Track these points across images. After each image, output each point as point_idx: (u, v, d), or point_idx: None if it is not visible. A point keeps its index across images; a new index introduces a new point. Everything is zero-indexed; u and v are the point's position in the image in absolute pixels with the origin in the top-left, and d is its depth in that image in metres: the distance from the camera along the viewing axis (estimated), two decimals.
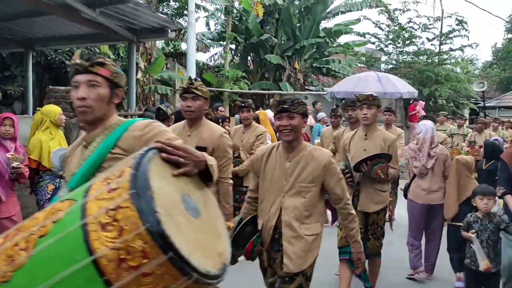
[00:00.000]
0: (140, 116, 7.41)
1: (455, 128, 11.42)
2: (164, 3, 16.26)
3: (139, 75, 11.78)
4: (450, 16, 19.92)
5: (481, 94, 20.35)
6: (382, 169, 4.08)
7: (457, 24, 19.80)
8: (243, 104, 5.83)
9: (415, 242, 5.09)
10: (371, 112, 4.24)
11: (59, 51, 10.32)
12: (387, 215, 4.55)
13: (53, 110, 5.30)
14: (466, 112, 21.97)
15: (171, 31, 8.37)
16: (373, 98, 4.24)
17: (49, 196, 4.93)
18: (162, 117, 5.72)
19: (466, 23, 19.64)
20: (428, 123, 5.17)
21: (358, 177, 4.26)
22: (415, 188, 5.03)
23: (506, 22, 28.26)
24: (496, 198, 4.18)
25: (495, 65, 30.85)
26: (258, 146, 5.49)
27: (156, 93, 13.09)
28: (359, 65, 21.94)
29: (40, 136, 5.09)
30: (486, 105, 23.42)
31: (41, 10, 7.38)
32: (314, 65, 18.59)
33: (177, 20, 15.91)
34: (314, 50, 17.94)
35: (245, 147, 5.69)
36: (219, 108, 9.23)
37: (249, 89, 15.77)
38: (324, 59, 18.41)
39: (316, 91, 17.90)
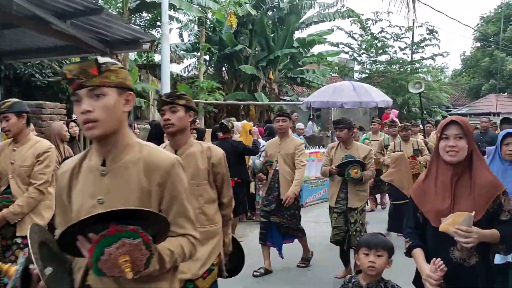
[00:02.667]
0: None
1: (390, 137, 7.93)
2: (136, 15, 16.09)
3: None
4: (421, 26, 20.31)
5: (451, 101, 20.65)
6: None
7: (428, 33, 20.19)
8: (279, 113, 5.43)
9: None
10: (176, 116, 2.83)
11: (28, 64, 10.04)
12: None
13: None
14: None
15: (144, 42, 8.23)
16: (178, 96, 2.84)
17: None
18: (225, 130, 6.28)
19: (437, 32, 20.06)
20: None
21: None
22: None
23: (474, 30, 28.98)
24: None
25: (464, 73, 31.53)
26: (298, 158, 5.13)
27: None
28: (333, 74, 22.12)
29: None
30: (457, 112, 23.89)
31: (10, 23, 7.18)
32: (288, 75, 18.65)
33: (150, 31, 15.75)
34: (288, 60, 18.02)
35: (283, 156, 5.21)
36: (196, 121, 9.10)
37: (224, 100, 15.69)
38: (298, 69, 18.51)
39: (291, 101, 17.96)
